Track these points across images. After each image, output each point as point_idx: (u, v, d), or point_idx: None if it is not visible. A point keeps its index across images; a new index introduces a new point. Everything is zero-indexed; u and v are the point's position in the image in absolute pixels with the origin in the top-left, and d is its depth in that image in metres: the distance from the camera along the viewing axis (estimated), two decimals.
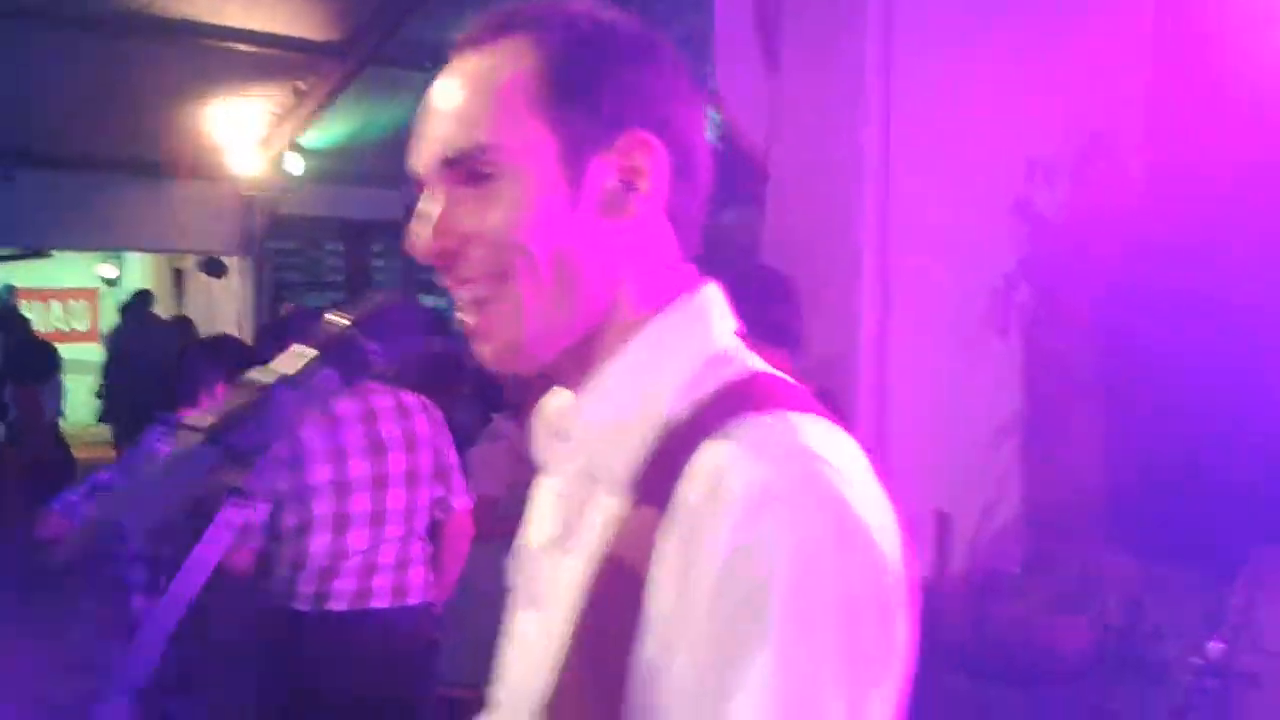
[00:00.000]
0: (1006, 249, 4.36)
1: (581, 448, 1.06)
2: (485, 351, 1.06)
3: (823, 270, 4.09)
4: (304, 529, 3.54)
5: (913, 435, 4.07)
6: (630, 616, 0.93)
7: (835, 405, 3.33)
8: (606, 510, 1.01)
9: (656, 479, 0.97)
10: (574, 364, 1.06)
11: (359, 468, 3.54)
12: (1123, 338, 4.25)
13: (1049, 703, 3.87)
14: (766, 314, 3.55)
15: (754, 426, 0.97)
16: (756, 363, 1.09)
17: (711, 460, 0.95)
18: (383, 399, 3.63)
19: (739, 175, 4.46)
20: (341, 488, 3.53)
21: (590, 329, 1.05)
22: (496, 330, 1.04)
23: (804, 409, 1.02)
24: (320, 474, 3.51)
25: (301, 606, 3.54)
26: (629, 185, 1.04)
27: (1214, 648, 2.78)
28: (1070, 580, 4.17)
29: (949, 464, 4.13)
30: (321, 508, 3.53)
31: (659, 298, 1.07)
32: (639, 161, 1.04)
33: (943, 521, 4.05)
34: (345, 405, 3.54)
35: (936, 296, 4.15)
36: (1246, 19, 4.28)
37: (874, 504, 0.98)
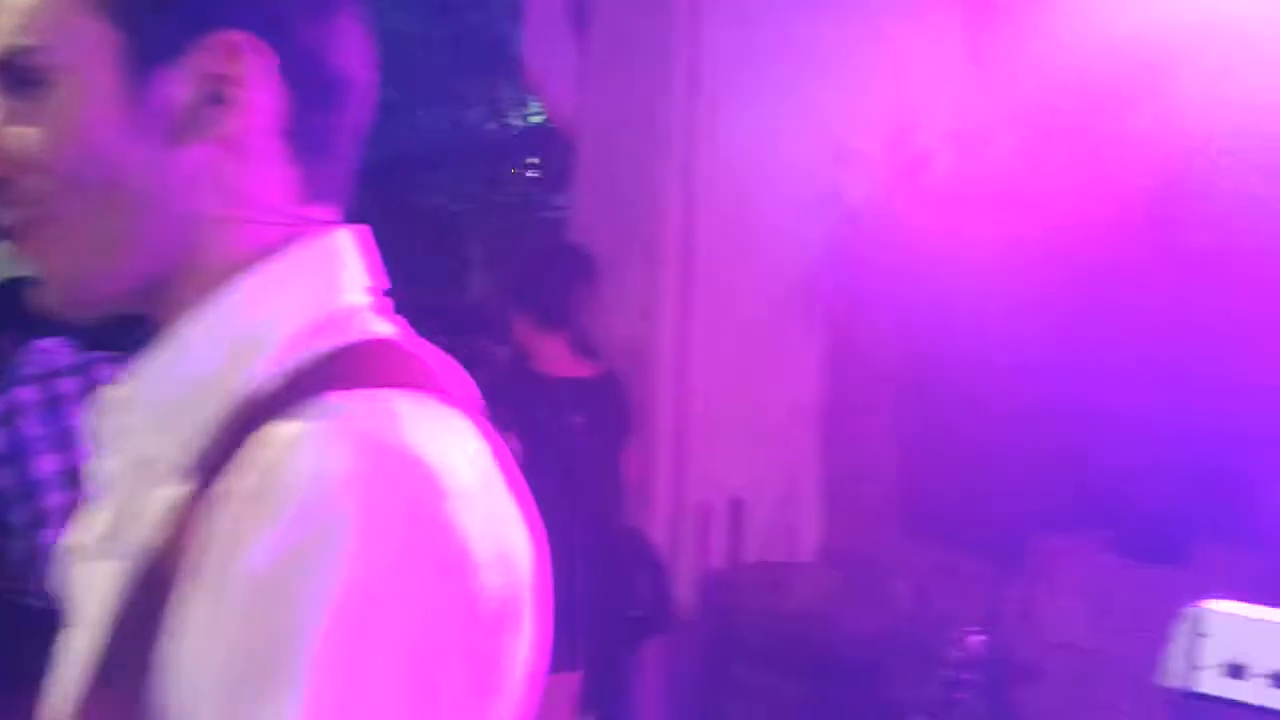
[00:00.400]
0: (813, 237, 4.33)
1: (139, 421, 0.88)
2: (38, 290, 0.90)
3: (625, 252, 4.00)
4: (36, 523, 3.31)
5: (711, 422, 4.01)
6: (158, 625, 0.78)
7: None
8: (161, 501, 0.84)
9: (217, 464, 0.81)
10: (157, 313, 0.90)
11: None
12: (926, 328, 4.26)
13: (837, 694, 3.85)
14: (555, 293, 3.47)
15: (338, 407, 0.80)
16: (383, 327, 0.91)
17: (272, 446, 0.78)
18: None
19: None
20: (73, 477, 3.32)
21: (165, 272, 0.88)
22: (46, 266, 0.88)
23: (421, 389, 0.84)
24: (46, 466, 3.30)
25: (36, 603, 3.32)
26: (215, 99, 0.87)
27: (975, 641, 2.77)
28: (863, 570, 4.17)
29: (747, 452, 4.09)
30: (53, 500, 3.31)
31: (262, 241, 0.89)
32: (229, 69, 0.86)
33: (737, 509, 4.00)
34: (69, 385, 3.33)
35: (740, 282, 4.10)
36: (1057, 11, 4.31)
37: (477, 511, 0.81)
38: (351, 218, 0.96)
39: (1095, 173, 4.09)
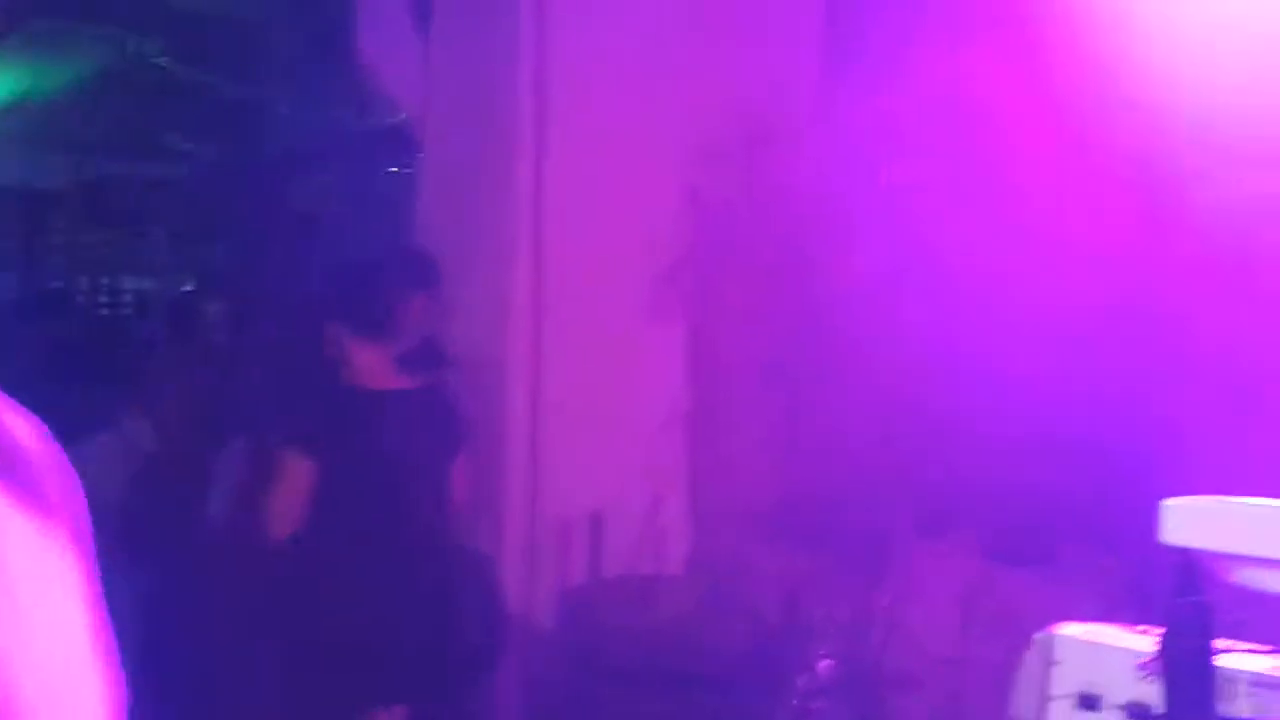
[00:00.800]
0: (671, 237, 4.19)
1: None
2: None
3: (472, 255, 3.82)
4: None
5: (569, 433, 3.85)
6: None
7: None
8: None
9: None
10: None
11: None
12: (791, 331, 4.15)
13: (700, 710, 3.72)
14: (374, 302, 3.26)
15: None
16: None
17: None
18: None
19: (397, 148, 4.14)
20: None
21: None
22: None
23: None
24: None
25: None
26: None
27: (824, 667, 2.65)
28: (730, 581, 4.04)
29: (608, 463, 3.93)
30: None
31: None
32: None
33: (598, 524, 3.84)
34: None
35: (596, 286, 3.94)
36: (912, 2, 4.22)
37: None
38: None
39: (957, 171, 4.01)
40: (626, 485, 4.01)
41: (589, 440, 3.87)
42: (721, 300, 4.23)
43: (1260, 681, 1.63)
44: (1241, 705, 1.62)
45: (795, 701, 2.64)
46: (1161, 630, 1.67)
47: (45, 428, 0.78)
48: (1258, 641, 1.71)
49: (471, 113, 3.93)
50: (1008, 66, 3.70)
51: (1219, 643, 1.64)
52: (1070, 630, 1.82)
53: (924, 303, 3.77)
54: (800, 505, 3.99)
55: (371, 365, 3.21)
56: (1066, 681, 1.76)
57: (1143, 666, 1.67)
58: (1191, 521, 1.66)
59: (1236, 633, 1.68)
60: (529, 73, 3.81)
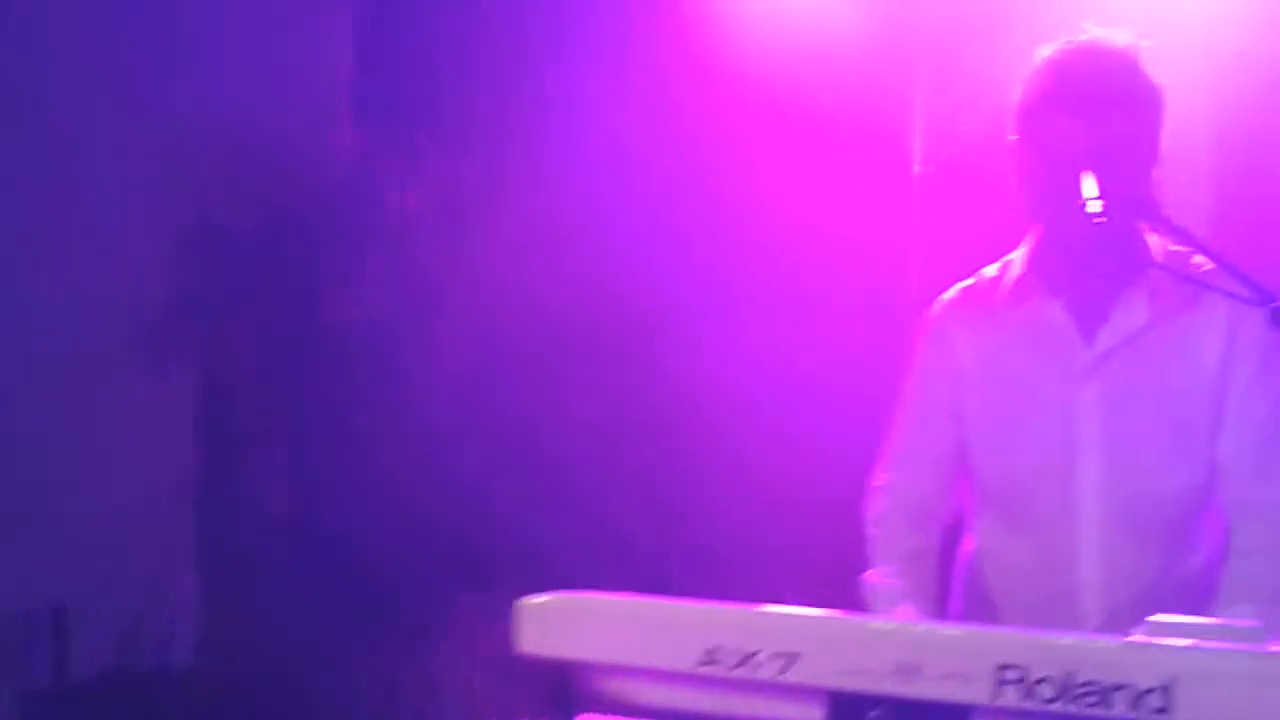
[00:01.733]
0: (172, 273, 3.63)
1: None
2: None
3: None
4: None
5: (29, 517, 3.22)
6: None
7: None
8: None
9: None
10: None
11: None
12: (307, 375, 3.66)
13: None
14: None
15: None
16: None
17: None
18: None
19: None
20: None
21: None
22: None
23: None
24: None
25: None
26: None
27: None
28: (248, 663, 3.51)
29: (86, 545, 3.32)
30: None
31: None
32: None
33: (59, 617, 3.23)
34: None
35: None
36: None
37: None
38: None
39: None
40: (119, 566, 3.41)
41: (52, 524, 3.24)
42: (230, 345, 3.70)
43: None
44: None
45: None
46: None
47: None
48: None
49: None
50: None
51: None
52: None
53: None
54: (316, 575, 3.49)
55: None
56: None
57: None
58: (555, 625, 1.28)
59: None
60: None
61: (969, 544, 2.03)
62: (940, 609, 2.00)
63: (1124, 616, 1.84)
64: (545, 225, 3.48)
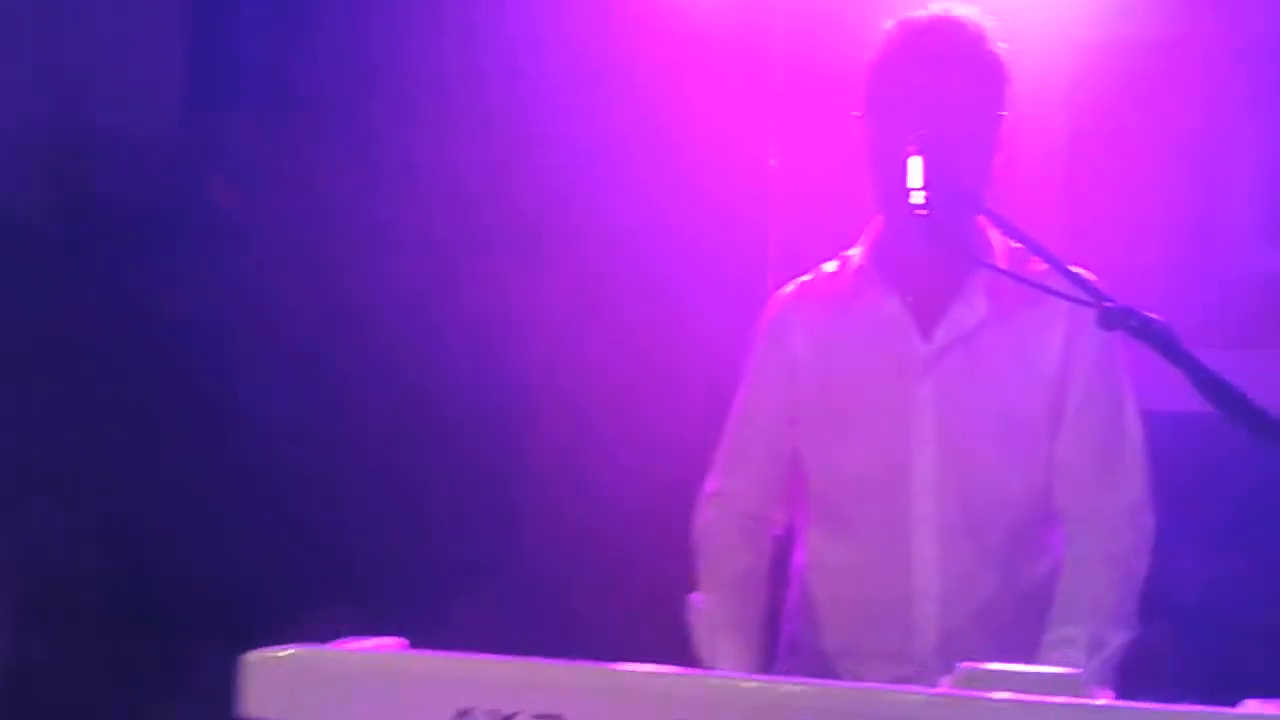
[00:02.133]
0: None
1: None
2: None
3: None
4: None
5: None
6: None
7: None
8: None
9: None
10: None
11: None
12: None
13: None
14: None
15: None
16: None
17: None
18: None
19: None
20: None
21: None
22: None
23: None
24: None
25: None
26: None
27: None
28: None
29: None
30: None
31: None
32: None
33: None
34: None
35: None
36: None
37: None
38: None
39: None
40: None
41: None
42: None
43: None
44: None
45: None
46: None
47: None
48: None
49: None
50: None
51: None
52: None
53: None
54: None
55: None
56: None
57: None
58: (286, 684, 1.10)
59: None
60: None
61: (800, 557, 1.90)
62: (770, 631, 1.87)
63: (962, 630, 1.75)
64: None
